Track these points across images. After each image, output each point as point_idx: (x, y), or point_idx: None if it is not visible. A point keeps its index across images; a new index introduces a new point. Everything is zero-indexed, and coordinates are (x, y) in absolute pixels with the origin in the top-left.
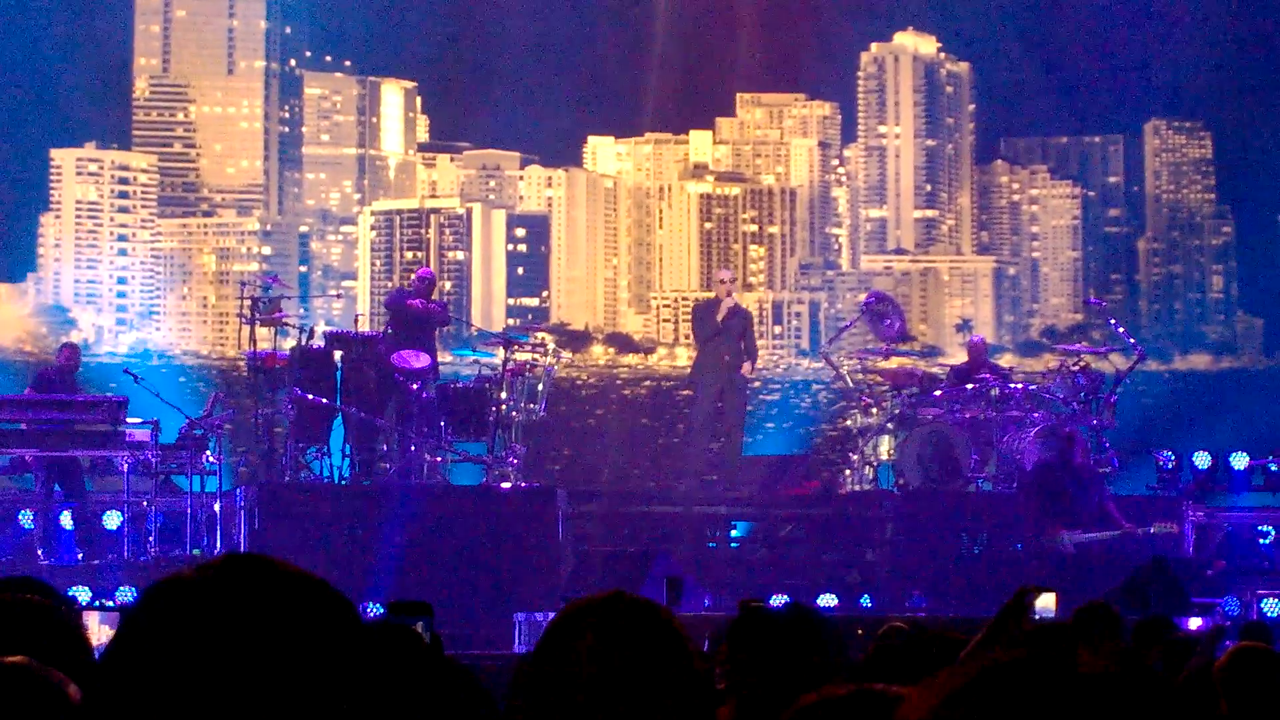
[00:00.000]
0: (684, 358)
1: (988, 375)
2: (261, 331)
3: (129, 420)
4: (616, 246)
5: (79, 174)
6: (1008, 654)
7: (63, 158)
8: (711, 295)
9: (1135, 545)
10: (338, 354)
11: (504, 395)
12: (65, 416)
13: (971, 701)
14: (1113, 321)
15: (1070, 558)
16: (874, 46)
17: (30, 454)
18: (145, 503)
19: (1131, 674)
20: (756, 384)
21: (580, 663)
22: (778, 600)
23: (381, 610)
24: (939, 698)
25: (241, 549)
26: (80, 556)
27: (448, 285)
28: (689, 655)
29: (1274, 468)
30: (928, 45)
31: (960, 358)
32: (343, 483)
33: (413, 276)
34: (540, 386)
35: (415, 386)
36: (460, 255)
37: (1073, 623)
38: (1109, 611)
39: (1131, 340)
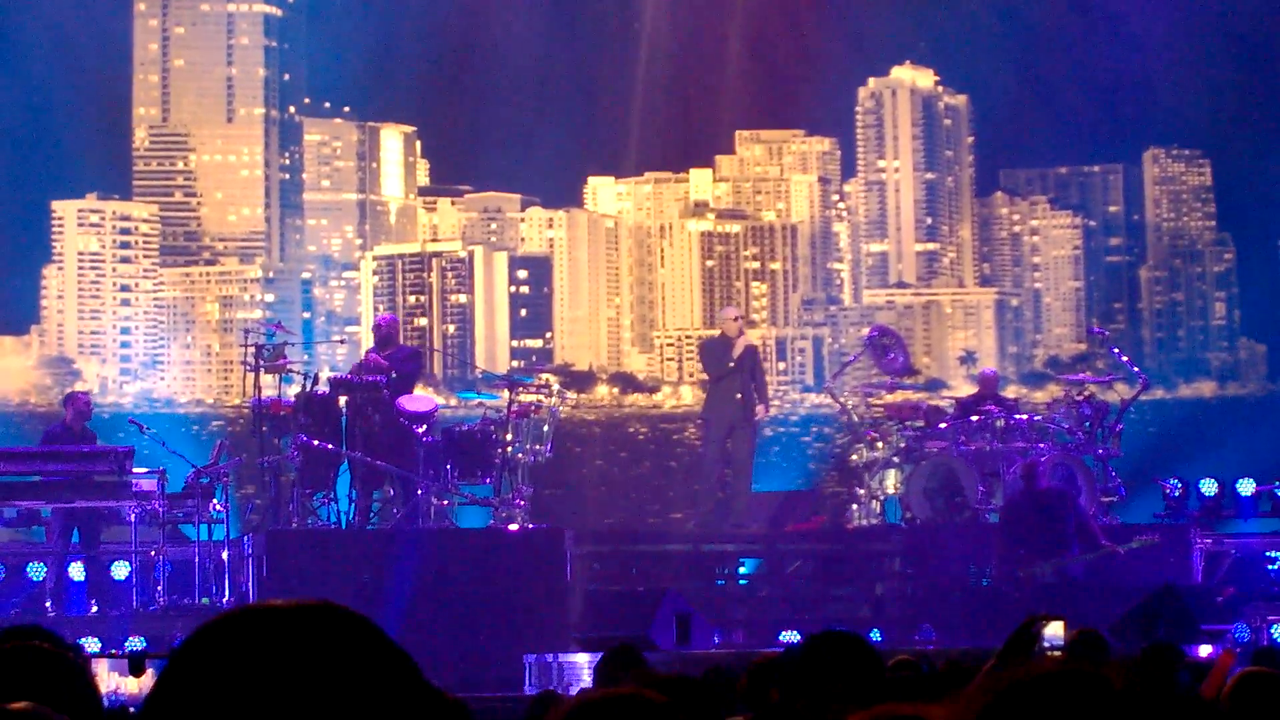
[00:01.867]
0: (689, 396)
1: (993, 407)
2: (266, 379)
3: (135, 470)
4: (619, 286)
5: (80, 225)
6: (1036, 668)
7: (64, 209)
8: (718, 333)
9: (1123, 563)
10: (342, 400)
11: (509, 437)
12: (73, 468)
13: (1007, 711)
14: (1116, 350)
15: (1060, 585)
16: (871, 81)
17: (42, 505)
18: (153, 552)
19: (1160, 690)
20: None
21: None
22: (787, 636)
23: None
24: (973, 712)
25: (250, 597)
26: (94, 608)
27: (451, 329)
28: None
29: None
30: (925, 79)
31: (964, 390)
32: (350, 528)
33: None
34: (545, 428)
35: (421, 430)
36: (463, 298)
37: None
38: (1099, 638)
39: (1135, 369)
